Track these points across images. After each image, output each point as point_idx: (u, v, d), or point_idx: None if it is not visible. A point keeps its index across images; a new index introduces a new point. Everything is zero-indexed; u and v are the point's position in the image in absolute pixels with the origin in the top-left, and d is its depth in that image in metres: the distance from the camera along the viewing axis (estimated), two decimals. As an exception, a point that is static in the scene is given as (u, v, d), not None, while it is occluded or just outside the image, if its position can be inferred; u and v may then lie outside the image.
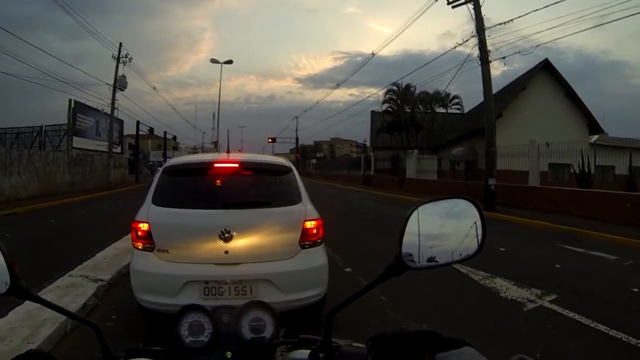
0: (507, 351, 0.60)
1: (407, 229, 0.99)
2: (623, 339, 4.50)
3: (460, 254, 1.02)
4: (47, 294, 5.17)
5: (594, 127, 27.49)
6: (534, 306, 5.51)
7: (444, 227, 1.06)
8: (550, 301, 5.66)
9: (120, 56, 30.15)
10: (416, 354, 0.83)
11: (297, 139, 61.34)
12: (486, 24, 17.17)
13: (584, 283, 6.75)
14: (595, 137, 24.93)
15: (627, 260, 8.41)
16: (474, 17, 17.05)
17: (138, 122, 38.43)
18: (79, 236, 9.72)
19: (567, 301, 5.61)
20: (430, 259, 1.00)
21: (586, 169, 16.56)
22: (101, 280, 5.83)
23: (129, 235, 4.57)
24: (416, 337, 0.86)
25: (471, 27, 17.39)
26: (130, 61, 30.89)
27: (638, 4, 13.71)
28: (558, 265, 7.82)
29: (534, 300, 5.69)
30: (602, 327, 4.77)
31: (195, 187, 4.21)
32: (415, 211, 1.02)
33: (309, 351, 1.02)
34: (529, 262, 8.28)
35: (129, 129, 40.38)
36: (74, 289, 5.42)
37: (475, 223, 1.05)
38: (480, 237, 1.03)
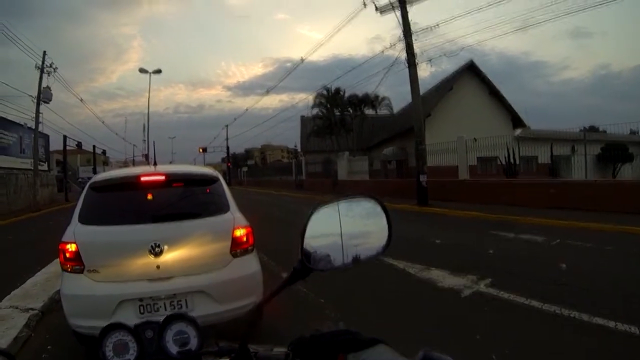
0: (447, 338, 0.49)
1: (324, 230, 0.99)
2: (556, 311, 4.64)
3: (369, 253, 1.02)
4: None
5: (517, 121, 28.73)
6: (470, 292, 5.56)
7: (366, 226, 1.07)
8: (485, 285, 5.75)
9: (45, 66, 27.32)
10: (329, 355, 0.84)
11: (227, 147, 60.70)
12: (413, 28, 17.58)
13: (516, 265, 6.94)
14: (518, 130, 26.19)
15: (554, 240, 8.75)
16: (401, 22, 17.40)
17: (65, 137, 35.54)
18: (6, 263, 8.86)
19: (501, 283, 5.72)
20: (355, 258, 1.00)
21: (512, 161, 17.28)
22: (32, 309, 5.40)
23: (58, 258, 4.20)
24: (332, 338, 0.87)
25: (400, 31, 17.71)
26: (55, 71, 27.97)
27: (556, 10, 14.71)
28: (491, 251, 8.00)
29: (470, 286, 5.74)
30: (535, 303, 4.89)
31: (122, 202, 4.06)
32: (322, 212, 1.02)
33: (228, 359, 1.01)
34: (463, 250, 8.40)
35: (56, 144, 37.14)
36: (3, 322, 4.96)
37: (382, 219, 1.05)
38: (387, 233, 1.04)
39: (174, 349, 1.11)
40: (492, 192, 15.93)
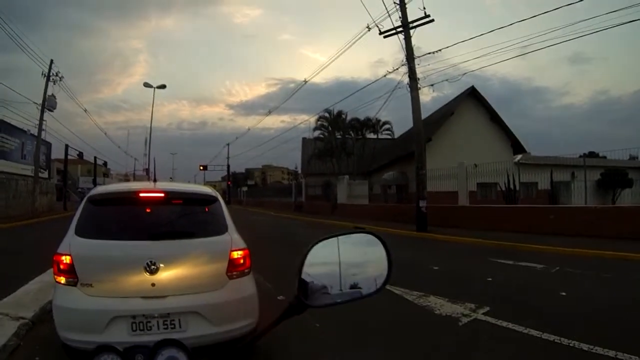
0: None
1: (323, 260, 0.98)
2: (555, 340, 4.56)
3: (367, 283, 1.03)
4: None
5: (517, 147, 28.91)
6: (468, 320, 5.47)
7: (364, 256, 1.08)
8: (484, 313, 5.66)
9: (51, 74, 27.80)
10: None
11: (228, 166, 61.04)
12: (416, 53, 17.79)
13: (515, 293, 6.87)
14: (519, 156, 26.25)
15: (553, 267, 8.70)
16: (404, 46, 17.63)
17: (67, 146, 35.76)
18: None
19: (500, 312, 5.64)
20: (353, 286, 1.01)
21: (512, 187, 17.33)
22: (23, 318, 5.30)
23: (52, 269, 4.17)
24: None
25: (403, 55, 17.95)
26: (61, 80, 28.59)
27: (555, 36, 14.99)
28: (490, 279, 7.93)
29: (468, 315, 5.65)
30: (534, 333, 4.81)
31: (120, 218, 4.05)
32: (319, 247, 1.00)
33: None
34: (462, 277, 8.34)
35: (58, 153, 37.73)
36: None
37: (381, 250, 1.06)
38: (388, 265, 1.04)
39: None
40: (491, 218, 15.95)
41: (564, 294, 6.55)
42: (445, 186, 19.36)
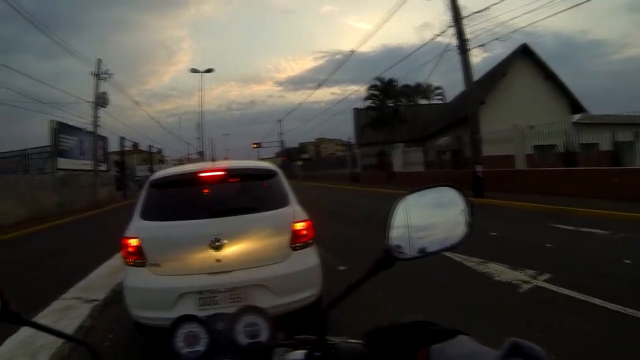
0: (506, 334, 0.57)
1: (395, 222, 0.97)
2: (619, 310, 4.50)
3: (450, 242, 0.99)
4: (42, 319, 5.00)
5: (575, 106, 27.66)
6: (528, 287, 5.53)
7: (432, 217, 1.04)
8: (544, 280, 5.70)
9: (100, 72, 29.75)
10: (411, 347, 0.80)
11: (281, 142, 61.53)
12: (463, 12, 17.23)
13: (577, 259, 6.80)
14: (577, 116, 25.21)
15: (617, 234, 8.49)
16: (450, 7, 17.13)
17: (122, 138, 37.77)
18: (71, 257, 9.55)
19: (561, 279, 5.65)
20: (421, 250, 0.96)
21: (571, 148, 16.69)
22: (95, 300, 5.74)
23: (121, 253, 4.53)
24: (410, 329, 0.84)
25: (449, 16, 17.42)
26: (110, 77, 30.46)
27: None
28: (550, 245, 7.87)
29: (528, 281, 5.71)
30: (597, 301, 4.79)
31: (183, 198, 4.20)
32: (403, 202, 0.99)
33: (305, 351, 1.00)
34: (521, 244, 8.32)
35: (113, 146, 39.52)
36: (68, 311, 5.33)
37: (462, 209, 1.01)
38: (468, 223, 0.99)
39: (244, 340, 1.12)
40: (550, 182, 15.52)
41: (628, 261, 6.44)
42: (500, 150, 18.81)
